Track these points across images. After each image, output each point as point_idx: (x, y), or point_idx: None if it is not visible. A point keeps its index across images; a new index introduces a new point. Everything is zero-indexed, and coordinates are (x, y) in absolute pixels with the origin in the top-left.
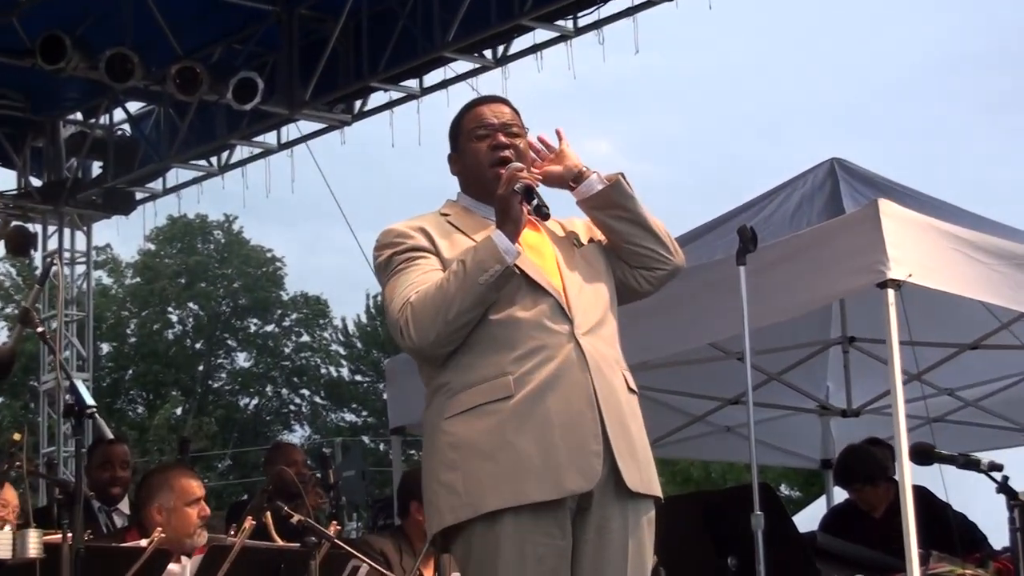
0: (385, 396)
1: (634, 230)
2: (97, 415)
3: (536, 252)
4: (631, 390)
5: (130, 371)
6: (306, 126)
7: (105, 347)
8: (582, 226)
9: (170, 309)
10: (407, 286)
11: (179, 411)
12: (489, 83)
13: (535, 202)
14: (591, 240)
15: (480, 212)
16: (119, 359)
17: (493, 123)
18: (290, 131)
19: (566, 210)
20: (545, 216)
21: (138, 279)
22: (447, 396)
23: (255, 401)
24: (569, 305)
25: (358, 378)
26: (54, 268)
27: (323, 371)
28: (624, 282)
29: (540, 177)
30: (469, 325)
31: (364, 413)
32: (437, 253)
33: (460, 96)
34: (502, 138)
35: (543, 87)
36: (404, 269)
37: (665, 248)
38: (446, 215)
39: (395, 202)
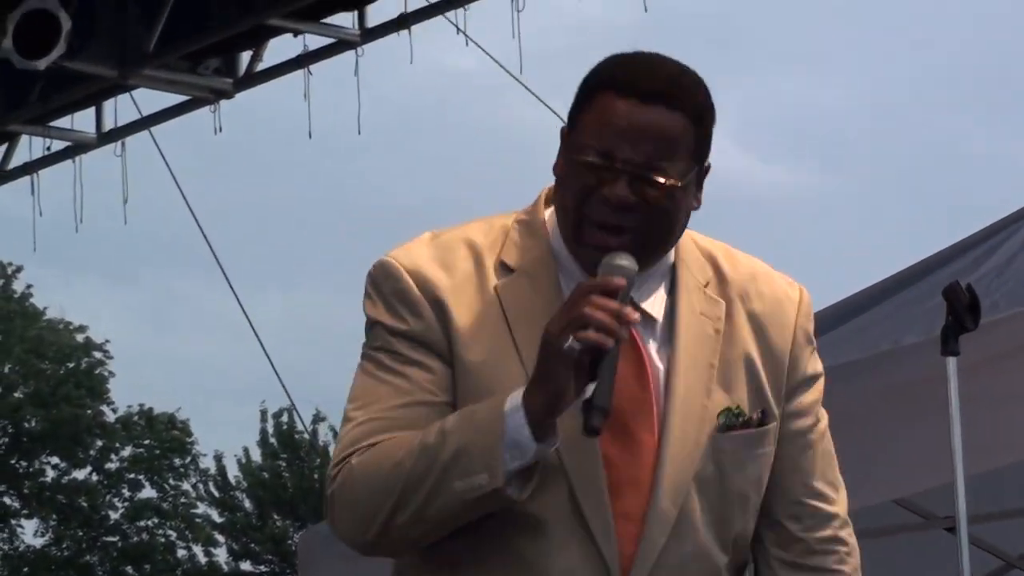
0: None
1: None
2: None
3: (623, 431)
4: None
5: None
6: (151, 100)
7: None
8: (778, 355)
9: None
10: (367, 416)
11: None
12: (485, 19)
13: (592, 395)
14: (761, 417)
15: (554, 281)
16: None
17: (620, 151)
18: (121, 109)
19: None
20: (593, 432)
21: None
22: None
23: None
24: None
25: (247, 567)
26: None
27: (181, 553)
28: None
29: (631, 324)
30: (435, 535)
31: None
32: (450, 359)
33: (432, 44)
34: (622, 191)
35: (587, 25)
36: (379, 372)
37: None
38: (507, 271)
39: (315, 236)
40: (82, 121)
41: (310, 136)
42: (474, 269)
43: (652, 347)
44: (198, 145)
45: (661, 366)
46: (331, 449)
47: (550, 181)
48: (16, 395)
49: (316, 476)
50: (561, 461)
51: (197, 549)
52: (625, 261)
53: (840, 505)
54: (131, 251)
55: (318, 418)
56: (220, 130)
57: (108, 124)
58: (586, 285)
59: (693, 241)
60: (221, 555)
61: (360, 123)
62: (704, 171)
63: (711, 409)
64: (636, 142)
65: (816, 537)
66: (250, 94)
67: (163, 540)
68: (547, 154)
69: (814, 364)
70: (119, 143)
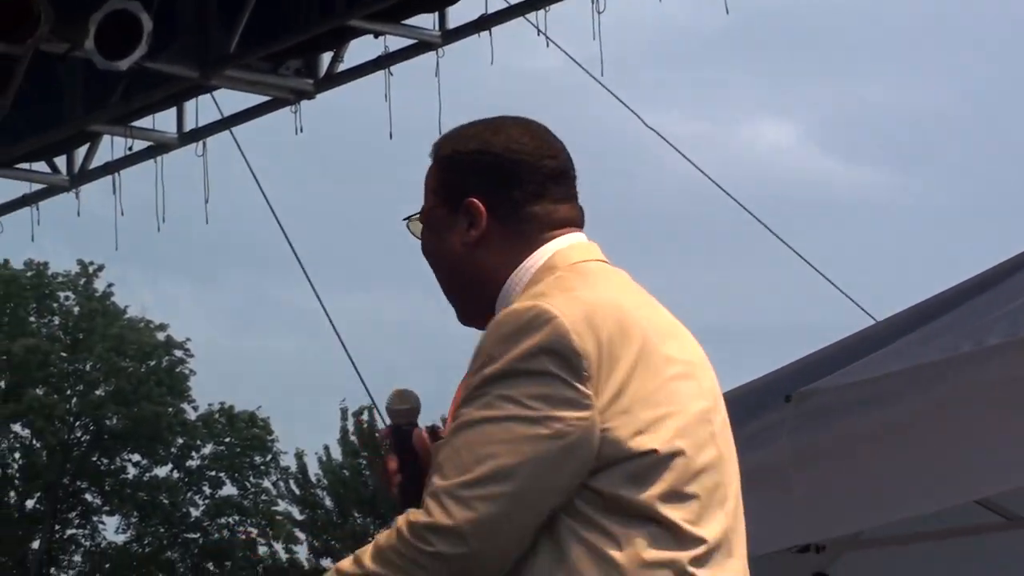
0: None
1: None
2: None
3: None
4: None
5: None
6: (231, 101)
7: None
8: None
9: None
10: None
11: None
12: (566, 20)
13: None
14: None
15: None
16: None
17: None
18: (202, 109)
19: None
20: None
21: None
22: None
23: None
24: None
25: (327, 564)
26: None
27: (262, 550)
28: None
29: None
30: None
31: None
32: None
33: (512, 45)
34: None
35: (667, 26)
36: None
37: None
38: None
39: (396, 236)
40: (163, 121)
41: (391, 137)
42: None
43: None
44: (279, 145)
45: None
46: None
47: (626, 183)
48: (98, 393)
49: None
50: None
51: (278, 546)
52: (397, 403)
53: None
54: (212, 250)
55: None
56: (301, 130)
57: (189, 124)
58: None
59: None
60: (302, 552)
61: (441, 124)
62: (465, 208)
63: None
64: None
65: None
66: (331, 95)
67: (245, 538)
68: (625, 155)
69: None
70: (200, 143)
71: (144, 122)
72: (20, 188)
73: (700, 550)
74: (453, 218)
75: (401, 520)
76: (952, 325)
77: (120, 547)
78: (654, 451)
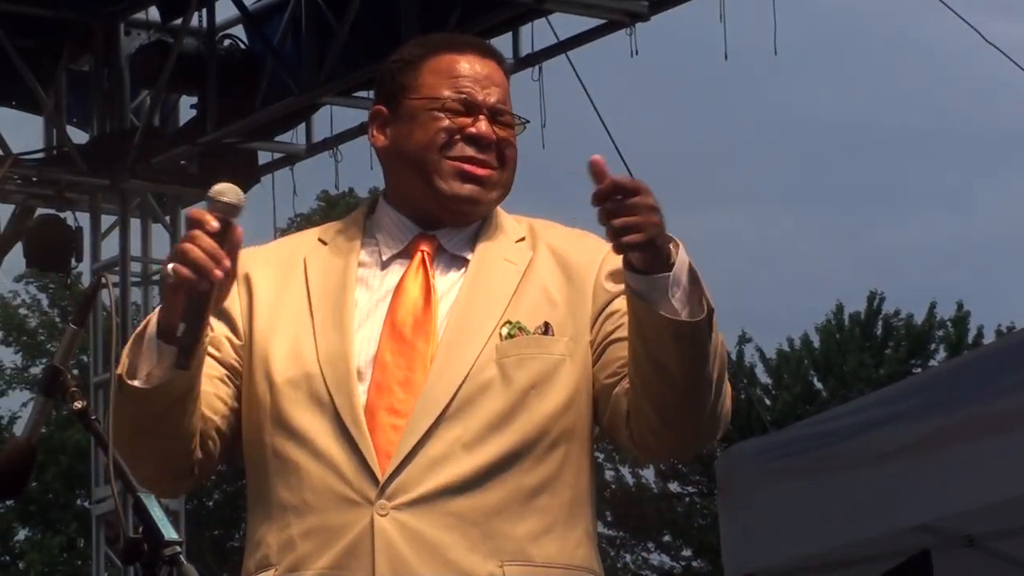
0: None
1: (673, 388)
2: (183, 559)
3: (401, 339)
4: None
5: None
6: (567, 24)
7: None
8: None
9: None
10: None
11: None
12: None
13: (180, 334)
14: (544, 329)
15: (356, 245)
16: None
17: (476, 96)
18: (538, 33)
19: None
20: (180, 366)
21: None
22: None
23: None
24: (377, 451)
25: (674, 487)
26: (107, 291)
27: (609, 475)
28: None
29: (224, 267)
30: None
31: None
32: (234, 326)
33: None
34: (487, 128)
35: None
36: None
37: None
38: (322, 245)
39: (731, 158)
40: (500, 46)
41: (726, 57)
42: (302, 243)
43: (453, 278)
44: (615, 68)
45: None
46: (756, 370)
47: (960, 94)
48: None
49: (742, 396)
50: (323, 377)
51: (624, 471)
52: (230, 197)
53: None
54: (549, 175)
55: (743, 339)
56: (636, 53)
57: (525, 49)
58: (191, 216)
59: (507, 214)
60: (648, 475)
61: (776, 43)
62: None
63: (500, 323)
64: (486, 88)
65: None
66: (666, 16)
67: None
68: (965, 70)
69: (616, 288)
70: (536, 67)
71: (493, 38)
72: (359, 115)
73: None
74: None
75: None
76: None
77: None
78: None
